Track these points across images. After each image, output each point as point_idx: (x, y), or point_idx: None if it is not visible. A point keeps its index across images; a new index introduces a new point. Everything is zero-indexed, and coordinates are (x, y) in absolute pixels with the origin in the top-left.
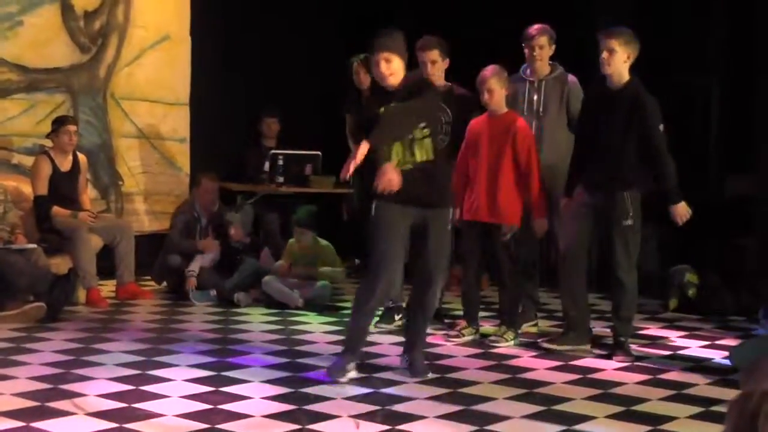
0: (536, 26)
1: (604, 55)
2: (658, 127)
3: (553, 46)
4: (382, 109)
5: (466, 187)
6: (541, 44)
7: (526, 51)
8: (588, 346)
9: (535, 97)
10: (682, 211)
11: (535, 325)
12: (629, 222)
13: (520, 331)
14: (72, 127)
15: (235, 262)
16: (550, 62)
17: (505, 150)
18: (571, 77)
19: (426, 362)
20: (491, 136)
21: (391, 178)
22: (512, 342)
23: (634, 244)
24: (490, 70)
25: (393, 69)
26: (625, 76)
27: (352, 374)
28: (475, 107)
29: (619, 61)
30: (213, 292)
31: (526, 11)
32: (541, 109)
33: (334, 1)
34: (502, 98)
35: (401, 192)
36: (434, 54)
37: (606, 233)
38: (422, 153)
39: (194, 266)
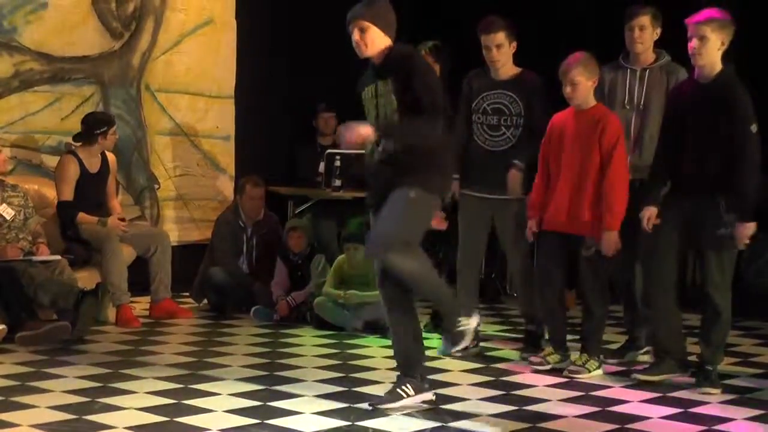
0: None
1: (694, 44)
2: (749, 127)
3: (658, 30)
4: (365, 91)
5: (546, 191)
6: (643, 24)
7: (626, 33)
8: (686, 376)
9: (636, 89)
10: (747, 232)
11: (647, 353)
12: (723, 231)
13: (630, 360)
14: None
15: (296, 280)
16: (657, 49)
17: (592, 150)
18: (683, 69)
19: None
20: (576, 134)
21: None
22: (595, 372)
23: (730, 257)
24: (574, 59)
25: (368, 39)
26: (718, 67)
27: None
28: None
29: (712, 49)
30: (277, 316)
31: None
32: (642, 103)
33: None
34: (588, 91)
35: None
36: (500, 37)
37: (697, 245)
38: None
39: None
